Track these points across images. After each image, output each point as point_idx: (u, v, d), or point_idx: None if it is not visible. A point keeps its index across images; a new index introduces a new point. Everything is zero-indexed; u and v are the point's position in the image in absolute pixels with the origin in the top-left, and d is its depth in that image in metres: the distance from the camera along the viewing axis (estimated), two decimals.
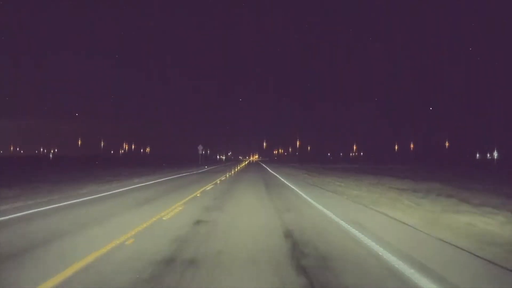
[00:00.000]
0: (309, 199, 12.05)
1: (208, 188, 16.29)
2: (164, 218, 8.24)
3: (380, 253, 5.29)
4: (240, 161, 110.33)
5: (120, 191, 14.76)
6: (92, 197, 12.56)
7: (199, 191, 14.81)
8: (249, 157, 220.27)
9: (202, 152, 53.47)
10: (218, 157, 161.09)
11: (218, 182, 20.69)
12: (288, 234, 6.56)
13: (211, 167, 49.54)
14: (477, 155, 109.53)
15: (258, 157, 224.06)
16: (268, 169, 45.48)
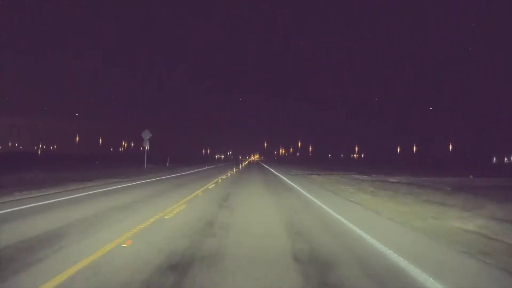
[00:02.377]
0: None
1: None
2: None
3: None
4: (239, 161, 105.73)
5: None
6: None
7: None
8: (250, 157, 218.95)
9: (147, 147, 31.05)
10: (216, 156, 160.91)
11: None
12: None
13: (173, 175, 25.88)
14: (494, 158, 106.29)
15: (259, 157, 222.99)
16: (287, 180, 23.06)
